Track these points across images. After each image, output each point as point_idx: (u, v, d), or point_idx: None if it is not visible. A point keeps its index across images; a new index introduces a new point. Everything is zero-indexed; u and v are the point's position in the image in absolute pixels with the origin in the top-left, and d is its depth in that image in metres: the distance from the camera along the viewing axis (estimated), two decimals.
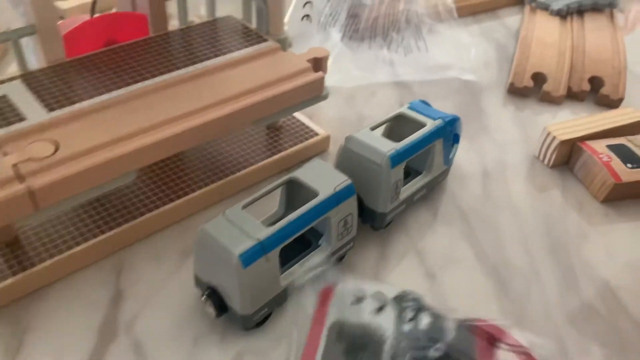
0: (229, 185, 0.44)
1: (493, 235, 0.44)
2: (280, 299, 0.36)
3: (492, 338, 0.30)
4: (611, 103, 0.59)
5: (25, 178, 0.31)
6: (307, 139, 0.49)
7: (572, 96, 0.60)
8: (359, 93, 0.59)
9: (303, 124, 0.51)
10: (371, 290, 0.31)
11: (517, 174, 0.50)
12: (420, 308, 0.31)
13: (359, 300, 0.31)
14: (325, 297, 0.31)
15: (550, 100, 0.59)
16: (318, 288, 0.33)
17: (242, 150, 0.47)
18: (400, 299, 0.31)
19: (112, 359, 0.34)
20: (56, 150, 0.32)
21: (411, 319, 0.30)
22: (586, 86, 0.60)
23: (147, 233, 0.41)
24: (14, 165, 0.31)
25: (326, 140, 0.50)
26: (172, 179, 0.43)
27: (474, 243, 0.43)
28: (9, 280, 0.35)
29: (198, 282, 0.36)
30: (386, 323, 0.30)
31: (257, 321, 0.35)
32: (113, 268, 0.39)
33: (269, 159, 0.47)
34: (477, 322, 0.31)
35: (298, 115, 0.51)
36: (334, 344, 0.29)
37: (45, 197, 0.31)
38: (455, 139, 0.46)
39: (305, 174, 0.37)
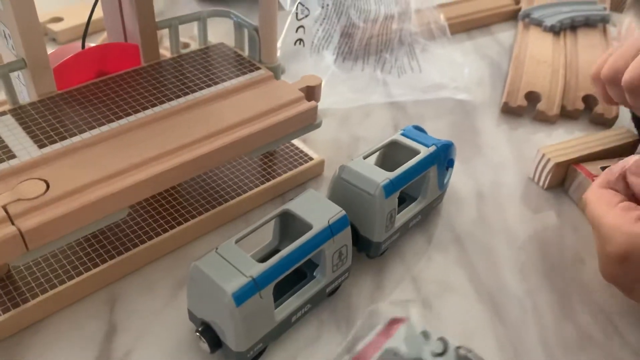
0: (222, 213, 0.44)
1: (488, 260, 0.44)
2: (275, 334, 0.35)
3: None
4: (605, 121, 0.59)
5: (15, 219, 0.30)
6: (301, 164, 0.49)
7: (566, 115, 0.60)
8: (353, 114, 0.59)
9: (297, 148, 0.51)
10: (437, 334, 0.32)
11: (512, 196, 0.50)
12: None
13: (424, 336, 0.31)
14: (394, 325, 0.32)
15: (544, 119, 0.59)
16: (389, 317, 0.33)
17: (236, 177, 0.47)
18: (464, 352, 0.31)
19: None
20: (47, 189, 0.32)
21: None
22: (580, 105, 0.60)
23: (140, 265, 0.41)
24: (3, 207, 0.31)
25: (320, 164, 0.50)
26: (165, 208, 0.43)
27: (469, 269, 0.43)
28: (1, 318, 0.35)
29: (192, 317, 0.35)
30: None
31: (252, 357, 0.35)
32: (106, 301, 0.39)
33: (263, 186, 0.46)
34: None
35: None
36: None
37: (36, 238, 0.31)
38: (450, 163, 0.46)
39: (298, 206, 0.37)
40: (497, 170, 0.53)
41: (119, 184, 0.33)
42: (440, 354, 0.31)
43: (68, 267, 0.38)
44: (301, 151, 0.50)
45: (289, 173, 0.48)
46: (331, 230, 0.36)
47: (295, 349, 0.37)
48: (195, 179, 0.46)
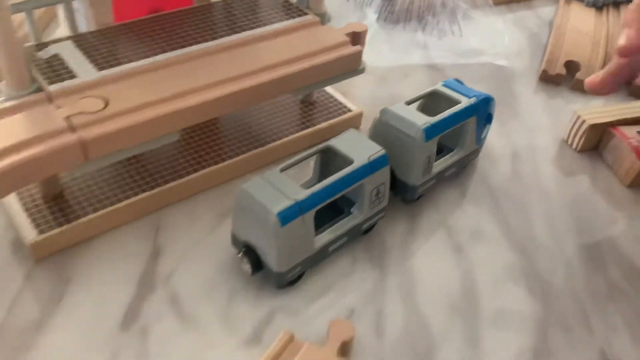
0: (263, 154, 0.45)
1: (521, 214, 0.44)
2: (313, 260, 0.37)
3: None
4: None
5: (77, 130, 0.32)
6: (340, 114, 0.50)
7: None
8: (391, 74, 0.60)
9: (336, 100, 0.52)
10: None
11: (546, 157, 0.51)
12: None
13: None
14: None
15: (582, 89, 0.59)
16: None
17: (277, 122, 0.48)
18: None
19: (150, 310, 0.35)
20: (106, 105, 0.34)
21: None
22: None
23: (185, 195, 0.42)
24: (67, 118, 0.32)
25: (359, 116, 0.51)
26: (210, 145, 0.45)
27: (501, 221, 0.44)
28: (54, 231, 0.37)
29: (235, 240, 0.37)
30: None
31: (291, 280, 0.36)
32: (152, 225, 0.40)
33: (303, 132, 0.48)
34: None
35: (332, 91, 0.52)
36: None
37: (95, 149, 0.32)
38: (489, 119, 0.46)
39: (340, 143, 0.38)
40: (533, 134, 0.53)
41: (172, 107, 0.35)
42: None
43: (117, 190, 0.40)
44: (340, 103, 0.51)
45: (328, 122, 0.49)
46: (371, 167, 0.37)
47: (330, 279, 0.38)
48: (239, 121, 0.47)
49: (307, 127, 0.48)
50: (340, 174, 0.36)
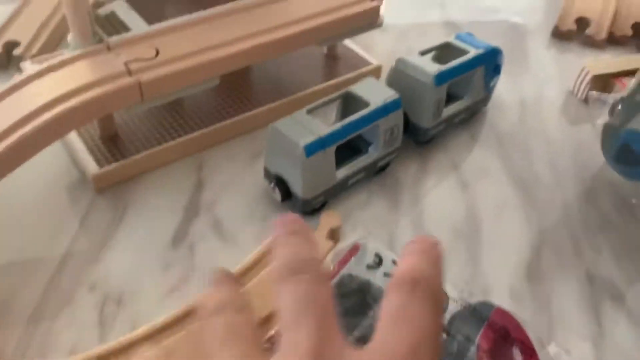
0: (292, 103, 0.50)
1: (525, 156, 0.49)
2: (334, 191, 0.42)
3: (504, 331, 0.31)
4: None
5: (133, 74, 0.38)
6: (360, 67, 0.55)
7: (615, 41, 0.63)
8: (410, 31, 0.64)
9: (358, 54, 0.56)
10: (390, 257, 0.34)
11: (553, 106, 0.55)
12: None
13: (376, 263, 0.34)
14: (352, 251, 0.34)
15: (592, 44, 0.63)
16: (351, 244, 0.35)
17: (305, 74, 0.53)
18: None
19: (195, 232, 0.41)
20: (157, 54, 0.39)
21: None
22: (629, 31, 0.63)
23: (223, 138, 0.48)
24: (126, 63, 0.38)
25: (378, 69, 0.56)
26: (244, 95, 0.50)
27: (506, 162, 0.48)
28: (112, 166, 0.43)
29: (267, 173, 0.43)
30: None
31: (315, 207, 0.42)
32: (195, 163, 0.46)
33: (327, 83, 0.53)
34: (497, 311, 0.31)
35: (354, 47, 0.57)
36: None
37: (150, 90, 0.38)
38: (497, 69, 0.51)
39: (359, 89, 0.43)
40: (542, 85, 0.57)
41: (213, 55, 0.40)
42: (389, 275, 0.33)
43: (165, 133, 0.46)
44: (361, 57, 0.56)
45: (350, 74, 0.54)
46: (386, 108, 0.42)
47: (349, 208, 0.43)
48: (270, 74, 0.53)
49: (330, 79, 0.53)
50: (358, 114, 0.41)
